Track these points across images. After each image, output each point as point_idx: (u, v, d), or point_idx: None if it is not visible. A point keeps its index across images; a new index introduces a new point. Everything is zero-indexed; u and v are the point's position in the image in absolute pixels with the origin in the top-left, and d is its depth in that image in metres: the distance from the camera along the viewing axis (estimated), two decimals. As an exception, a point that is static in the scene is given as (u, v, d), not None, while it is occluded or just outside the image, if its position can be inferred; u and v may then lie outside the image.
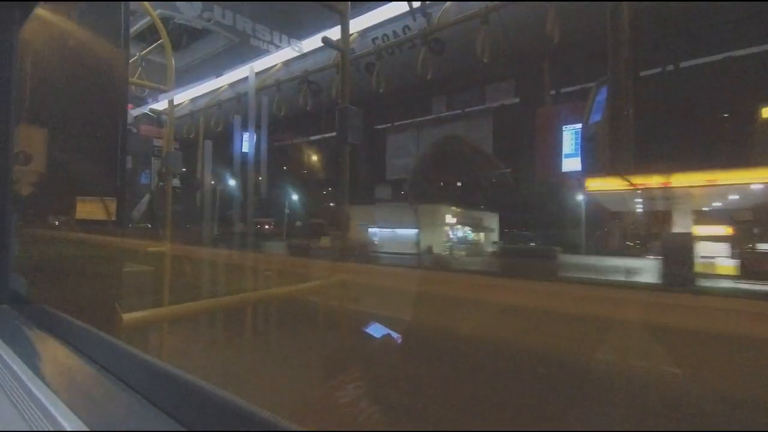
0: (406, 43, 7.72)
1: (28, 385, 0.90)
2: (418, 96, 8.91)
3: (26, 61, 2.03)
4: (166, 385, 0.78)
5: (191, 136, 11.80)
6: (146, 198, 12.22)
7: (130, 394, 0.82)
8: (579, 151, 6.45)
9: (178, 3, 7.16)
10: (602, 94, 4.92)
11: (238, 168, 7.95)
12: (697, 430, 1.05)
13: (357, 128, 5.57)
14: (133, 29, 9.42)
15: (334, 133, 7.58)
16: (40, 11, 2.11)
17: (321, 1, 6.67)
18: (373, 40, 8.08)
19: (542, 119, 7.17)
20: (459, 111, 8.93)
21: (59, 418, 0.70)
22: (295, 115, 9.46)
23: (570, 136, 6.87)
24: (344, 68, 6.23)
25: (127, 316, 2.07)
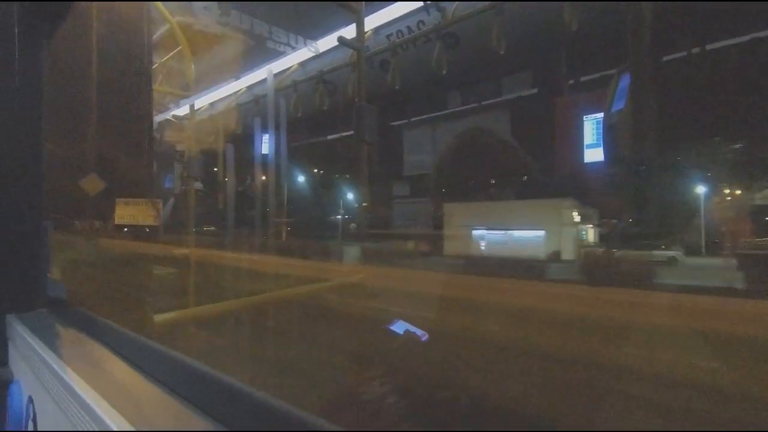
0: (420, 39, 7.68)
1: (72, 385, 0.95)
2: (433, 91, 8.84)
3: (57, 75, 2.11)
4: (200, 384, 0.81)
5: (211, 140, 12.02)
6: (171, 201, 12.54)
7: (168, 394, 0.85)
8: (601, 141, 6.30)
9: (196, 9, 7.30)
10: (624, 81, 4.77)
11: (260, 169, 8.06)
12: (697, 430, 1.02)
13: (373, 126, 5.58)
14: (153, 37, 9.63)
15: (350, 132, 7.62)
16: (67, 27, 2.20)
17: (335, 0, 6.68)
18: (388, 36, 8.06)
19: (561, 110, 7.02)
20: (475, 104, 8.83)
21: (104, 418, 0.73)
22: (312, 114, 9.53)
23: (591, 125, 6.71)
24: (359, 66, 6.24)
25: (158, 317, 2.14)
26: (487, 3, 6.47)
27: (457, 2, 7.05)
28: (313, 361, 1.70)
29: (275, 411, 0.66)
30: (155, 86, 10.00)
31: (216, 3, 7.66)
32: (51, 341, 1.39)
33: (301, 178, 11.70)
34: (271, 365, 1.66)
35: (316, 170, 11.63)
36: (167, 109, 11.88)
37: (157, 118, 12.34)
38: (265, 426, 0.67)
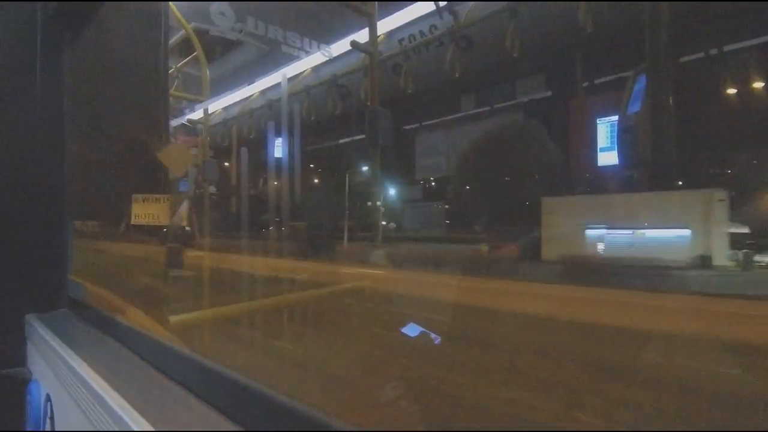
0: (433, 42, 7.68)
1: (91, 384, 0.96)
2: (446, 95, 8.83)
3: (78, 80, 2.16)
4: (218, 385, 0.81)
5: (225, 144, 12.19)
6: (184, 204, 12.70)
7: (187, 394, 0.86)
8: (615, 145, 6.20)
9: (212, 15, 7.42)
10: (641, 83, 4.71)
11: (273, 173, 8.13)
12: (697, 430, 0.98)
13: (387, 130, 5.59)
14: (169, 42, 9.82)
15: (362, 136, 7.65)
16: (88, 33, 2.25)
17: (348, 0, 6.72)
18: (400, 41, 8.08)
19: (575, 112, 6.95)
20: (488, 107, 8.79)
21: (124, 417, 0.74)
22: (326, 119, 9.60)
23: (605, 128, 6.62)
24: (372, 70, 6.27)
25: (174, 318, 2.16)
26: (500, 5, 6.45)
27: (470, 5, 7.04)
28: (332, 363, 1.70)
29: (292, 412, 0.66)
30: (171, 91, 10.20)
31: (231, 8, 7.78)
32: (70, 341, 1.41)
33: (320, 180, 11.75)
34: (288, 367, 1.66)
35: (337, 172, 11.62)
36: (182, 113, 12.08)
37: (173, 123, 12.56)
38: (282, 426, 0.67)
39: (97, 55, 2.33)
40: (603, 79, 6.82)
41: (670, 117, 4.12)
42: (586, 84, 7.05)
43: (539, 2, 6.22)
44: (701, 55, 5.85)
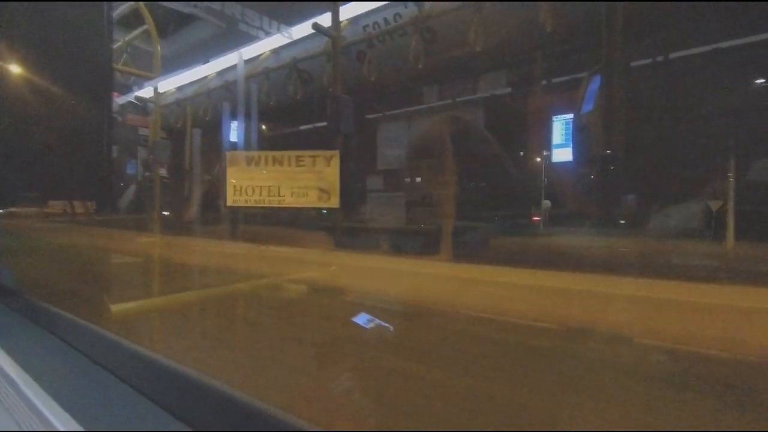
0: (397, 31, 7.62)
1: (16, 381, 0.86)
2: (410, 86, 8.82)
3: (3, 47, 1.94)
4: (159, 378, 0.75)
5: (178, 125, 11.58)
6: (132, 188, 12.02)
7: (122, 388, 0.78)
8: (570, 141, 6.47)
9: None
10: (594, 84, 4.90)
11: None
12: (697, 430, 1.04)
13: (349, 117, 5.51)
14: (116, 13, 9.16)
15: (324, 123, 7.49)
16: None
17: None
18: (364, 27, 7.96)
19: (533, 109, 7.16)
20: (450, 101, 8.88)
21: (49, 416, 0.66)
22: (286, 104, 9.33)
23: (560, 126, 6.88)
24: (335, 55, 6.13)
25: (116, 307, 2.02)
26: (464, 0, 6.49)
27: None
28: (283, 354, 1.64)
29: (241, 407, 0.61)
30: (117, 65, 9.52)
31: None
32: (-6, 332, 1.28)
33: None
34: (238, 358, 1.59)
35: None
36: (131, 90, 11.35)
37: (119, 100, 11.77)
38: (230, 424, 0.62)
39: (26, 20, 2.11)
40: (560, 79, 7.06)
41: (621, 117, 4.33)
42: (544, 83, 7.28)
43: (502, 1, 6.32)
44: (650, 60, 6.19)
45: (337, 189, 3.62)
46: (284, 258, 3.54)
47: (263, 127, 10.53)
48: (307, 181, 3.73)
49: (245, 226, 5.36)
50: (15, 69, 2.03)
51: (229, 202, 3.82)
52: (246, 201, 3.80)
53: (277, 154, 3.86)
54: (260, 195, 3.78)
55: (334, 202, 3.65)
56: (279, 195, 3.75)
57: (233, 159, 3.92)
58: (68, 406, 0.72)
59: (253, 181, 3.81)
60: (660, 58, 6.17)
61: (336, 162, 3.59)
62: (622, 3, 4.32)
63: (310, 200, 3.70)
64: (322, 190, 3.64)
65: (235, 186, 3.82)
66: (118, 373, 0.87)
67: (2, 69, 1.90)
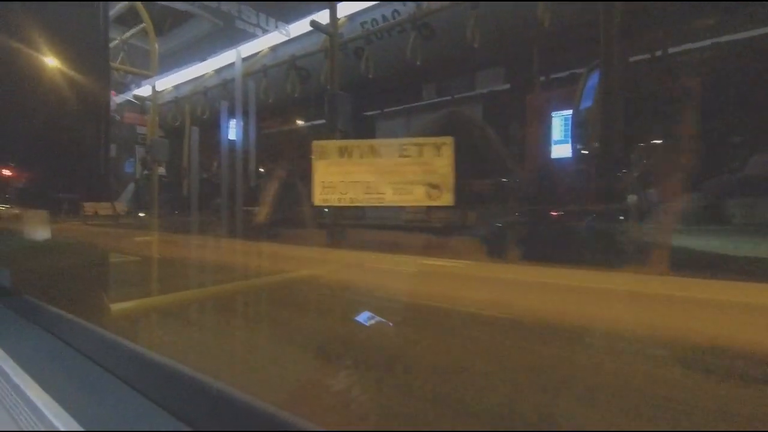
0: (395, 28, 7.60)
1: (15, 381, 0.86)
2: (408, 82, 8.80)
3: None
4: (159, 378, 0.75)
5: (177, 124, 11.56)
6: (130, 187, 12.00)
7: (122, 388, 0.78)
8: (569, 138, 6.46)
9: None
10: (593, 80, 4.90)
11: (226, 156, 7.80)
12: (696, 430, 1.04)
13: (347, 114, 5.49)
14: (113, 11, 9.11)
15: (322, 120, 7.48)
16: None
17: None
18: (362, 24, 7.93)
19: (532, 105, 7.15)
20: (448, 97, 8.87)
21: (50, 417, 0.66)
22: (283, 101, 9.31)
23: (559, 122, 6.87)
24: (333, 52, 6.11)
25: (116, 306, 2.02)
26: (462, -4, 6.48)
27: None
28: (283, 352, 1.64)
29: (241, 407, 0.61)
30: (115, 64, 9.49)
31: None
32: (-7, 332, 1.28)
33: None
34: (238, 358, 1.59)
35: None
36: (128, 89, 11.32)
37: (117, 99, 11.74)
38: (230, 424, 0.62)
39: (24, 23, 2.10)
40: (559, 75, 7.05)
41: (620, 113, 4.33)
42: (543, 79, 7.26)
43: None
44: (648, 56, 6.18)
45: (450, 184, 3.02)
46: (489, 279, 2.68)
47: (262, 124, 10.52)
48: (412, 174, 3.14)
49: (330, 228, 4.72)
50: (14, 69, 2.03)
51: (317, 201, 3.28)
52: (338, 200, 3.25)
53: (375, 142, 3.30)
54: (355, 192, 3.20)
55: (447, 199, 3.03)
56: (378, 192, 3.16)
57: (322, 150, 3.32)
58: (66, 404, 0.72)
59: (346, 175, 3.25)
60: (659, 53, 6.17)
61: (449, 151, 3.01)
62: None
63: (416, 197, 3.10)
64: (431, 185, 3.07)
65: (324, 182, 3.27)
66: (119, 373, 0.87)
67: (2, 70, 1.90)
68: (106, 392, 0.77)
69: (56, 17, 2.13)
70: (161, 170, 9.73)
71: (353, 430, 0.87)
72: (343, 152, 3.30)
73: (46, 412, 0.67)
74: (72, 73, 2.14)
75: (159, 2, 8.45)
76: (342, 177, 3.26)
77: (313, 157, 3.39)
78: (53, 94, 2.12)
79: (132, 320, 1.90)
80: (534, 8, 5.83)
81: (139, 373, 0.78)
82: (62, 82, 2.12)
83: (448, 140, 3.11)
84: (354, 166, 3.29)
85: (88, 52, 2.25)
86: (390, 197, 3.17)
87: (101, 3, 2.40)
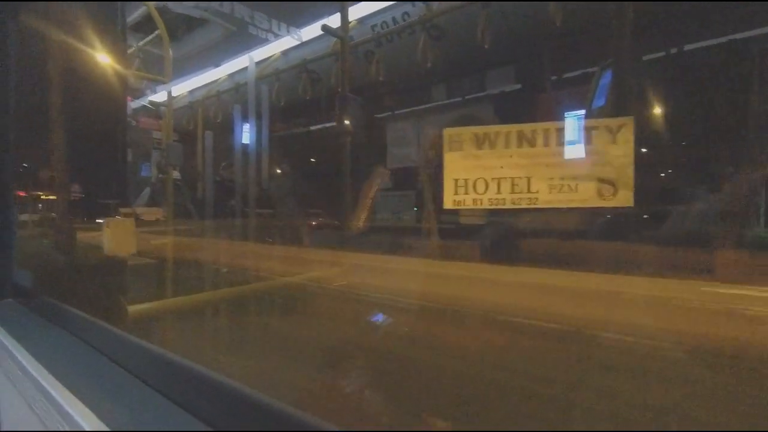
0: (405, 30, 7.61)
1: (41, 382, 0.89)
2: (418, 84, 8.80)
3: (24, 57, 1.99)
4: (180, 379, 0.77)
5: (191, 128, 11.72)
6: (146, 191, 12.19)
7: (144, 389, 0.81)
8: (581, 138, 6.38)
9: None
10: (606, 78, 4.84)
11: (240, 159, 7.88)
12: (696, 430, 1.02)
13: (358, 117, 5.51)
14: (129, 19, 9.29)
15: (333, 123, 7.53)
16: (36, 5, 2.07)
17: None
18: (372, 27, 7.96)
19: (543, 106, 7.08)
20: (459, 99, 8.83)
21: (76, 417, 0.69)
22: (294, 104, 9.38)
23: (572, 122, 6.79)
24: (344, 56, 6.15)
25: (133, 308, 2.06)
26: (472, -4, 6.46)
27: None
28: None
29: (259, 406, 0.63)
30: (131, 71, 9.67)
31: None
32: (18, 333, 1.32)
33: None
34: (254, 358, 1.61)
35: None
36: (144, 94, 11.52)
37: (133, 104, 11.95)
38: (249, 424, 0.63)
39: (46, 31, 2.16)
40: (571, 74, 6.97)
41: (633, 112, 4.26)
42: (554, 78, 7.19)
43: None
44: (662, 53, 6.08)
45: (630, 178, 2.36)
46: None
47: (274, 127, 10.61)
48: (577, 167, 2.52)
49: (492, 240, 3.69)
50: (32, 78, 2.08)
51: (447, 204, 2.58)
52: (476, 201, 2.56)
53: (526, 128, 2.63)
54: (498, 192, 2.54)
55: (625, 198, 2.37)
56: (529, 191, 2.52)
57: (454, 139, 2.65)
58: (89, 403, 0.74)
59: (486, 171, 2.59)
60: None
61: (628, 136, 2.39)
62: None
63: (583, 197, 2.44)
64: (603, 180, 2.43)
65: (457, 180, 2.59)
66: (132, 369, 0.89)
67: (24, 77, 1.95)
68: (128, 393, 0.79)
69: (76, 24, 2.19)
70: (176, 174, 9.88)
71: (374, 430, 0.87)
72: (482, 141, 2.62)
73: (73, 413, 0.70)
74: (90, 78, 2.20)
75: (173, 9, 8.59)
76: (480, 173, 2.58)
77: (444, 149, 2.68)
78: (72, 101, 2.18)
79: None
80: (545, 8, 5.79)
81: (162, 375, 0.81)
82: (81, 88, 2.18)
83: (628, 121, 2.48)
84: (496, 159, 2.60)
85: (107, 59, 2.31)
86: (545, 197, 2.49)
87: (119, 11, 2.46)
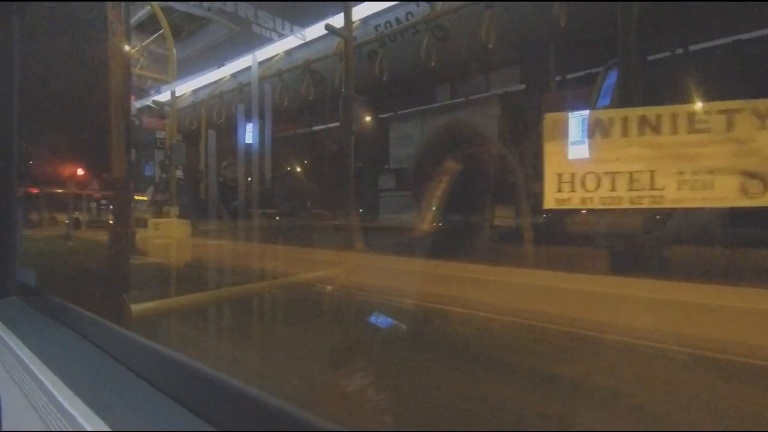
0: (409, 30, 7.60)
1: (43, 380, 0.88)
2: (422, 84, 8.79)
3: (26, 56, 1.99)
4: (184, 379, 0.76)
5: (194, 128, 11.75)
6: (150, 190, 12.24)
7: (147, 388, 0.79)
8: (585, 138, 6.35)
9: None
10: (611, 79, 4.81)
11: (242, 159, 7.89)
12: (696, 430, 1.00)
13: (361, 117, 5.51)
14: (133, 19, 9.32)
15: (337, 123, 7.52)
16: (38, 6, 2.07)
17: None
18: (376, 27, 7.96)
19: (548, 106, 7.06)
20: (463, 99, 8.81)
21: (78, 417, 0.68)
22: (298, 104, 9.39)
23: (576, 122, 6.76)
24: (347, 56, 6.15)
25: (136, 307, 2.06)
26: (477, -4, 6.44)
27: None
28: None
29: (265, 407, 0.61)
30: (135, 70, 9.71)
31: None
32: (21, 331, 1.31)
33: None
34: (260, 358, 1.60)
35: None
36: (147, 94, 11.56)
37: (137, 104, 11.99)
38: (254, 424, 0.62)
39: (49, 30, 2.16)
40: (575, 74, 6.95)
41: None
42: (558, 78, 7.17)
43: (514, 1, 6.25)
44: (668, 54, 6.04)
45: None
46: None
47: (277, 127, 10.63)
48: (715, 158, 2.10)
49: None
50: (35, 77, 2.09)
51: (548, 203, 2.23)
52: (584, 200, 2.15)
53: (647, 112, 2.20)
54: (612, 189, 2.14)
55: None
56: (652, 187, 2.15)
57: (556, 126, 2.21)
58: (91, 403, 0.73)
59: (597, 164, 2.17)
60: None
61: None
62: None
63: (722, 194, 2.07)
64: (749, 174, 2.04)
65: (561, 175, 2.24)
66: (136, 368, 0.88)
67: (26, 84, 1.95)
68: (131, 392, 0.78)
69: (79, 24, 2.19)
70: (178, 173, 9.90)
71: (378, 430, 0.86)
72: (593, 129, 2.09)
73: (74, 413, 0.69)
74: (93, 77, 2.20)
75: (177, 8, 8.62)
76: (590, 167, 2.06)
77: (544, 137, 2.15)
78: (75, 99, 2.18)
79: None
80: (549, 7, 5.77)
81: (165, 374, 0.79)
82: (84, 87, 2.18)
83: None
84: (610, 150, 2.09)
85: (110, 58, 2.30)
86: (673, 195, 2.00)
87: (123, 10, 2.46)
